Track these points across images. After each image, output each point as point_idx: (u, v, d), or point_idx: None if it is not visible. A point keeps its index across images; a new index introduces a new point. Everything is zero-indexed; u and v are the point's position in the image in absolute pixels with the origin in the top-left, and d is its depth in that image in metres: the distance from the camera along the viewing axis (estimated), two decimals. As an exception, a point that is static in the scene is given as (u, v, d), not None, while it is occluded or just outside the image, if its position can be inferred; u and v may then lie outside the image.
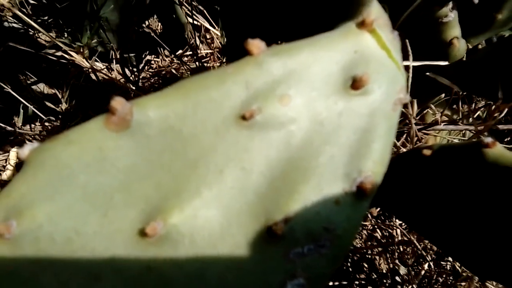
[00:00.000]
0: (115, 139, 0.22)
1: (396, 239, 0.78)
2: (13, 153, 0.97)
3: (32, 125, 1.02)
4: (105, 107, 0.21)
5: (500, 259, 0.35)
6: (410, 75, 0.58)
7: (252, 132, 0.23)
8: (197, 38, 1.10)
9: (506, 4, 0.62)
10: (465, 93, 0.71)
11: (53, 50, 1.02)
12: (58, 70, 1.07)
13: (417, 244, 0.73)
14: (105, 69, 1.09)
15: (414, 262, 0.79)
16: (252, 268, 0.23)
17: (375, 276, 0.81)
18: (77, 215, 0.22)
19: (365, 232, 0.84)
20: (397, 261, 0.78)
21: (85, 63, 1.00)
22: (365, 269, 0.82)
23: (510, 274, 0.35)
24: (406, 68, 0.58)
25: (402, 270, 0.77)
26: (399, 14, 0.56)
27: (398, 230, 0.78)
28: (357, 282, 0.80)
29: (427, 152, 0.37)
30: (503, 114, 0.60)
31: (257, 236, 0.23)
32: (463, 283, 0.73)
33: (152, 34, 1.12)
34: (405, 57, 0.58)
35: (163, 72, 1.17)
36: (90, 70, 1.01)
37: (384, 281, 0.79)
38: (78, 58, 0.98)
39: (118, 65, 1.07)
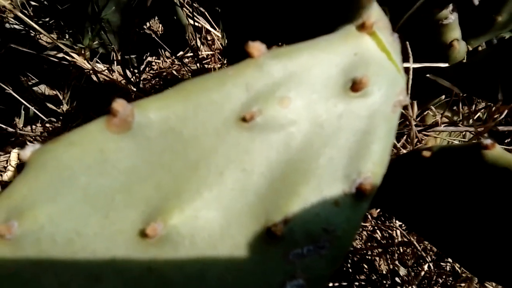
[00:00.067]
0: (116, 141, 0.22)
1: (396, 240, 0.79)
2: (14, 154, 0.97)
3: (33, 126, 1.02)
4: (106, 109, 0.21)
5: (499, 260, 0.35)
6: (411, 77, 0.58)
7: (252, 134, 0.23)
8: (198, 40, 1.10)
9: (506, 7, 0.62)
10: (465, 95, 0.71)
11: (55, 52, 1.02)
12: (59, 71, 1.08)
13: (417, 245, 0.73)
14: (106, 71, 1.10)
15: (414, 263, 0.79)
16: (252, 269, 0.23)
17: (375, 277, 0.81)
18: (78, 217, 0.22)
19: (365, 233, 0.84)
20: (397, 262, 0.79)
21: (86, 65, 1.00)
22: (365, 270, 0.82)
23: (509, 275, 0.35)
24: (407, 70, 0.58)
25: (402, 271, 0.77)
26: (400, 16, 0.56)
27: (398, 231, 0.79)
28: (357, 283, 0.80)
29: (426, 153, 0.38)
30: (503, 116, 0.60)
31: (257, 237, 0.23)
32: (462, 284, 0.73)
33: (153, 36, 1.12)
34: (406, 59, 0.58)
35: (164, 74, 1.18)
36: (91, 71, 1.01)
37: (384, 282, 0.79)
38: (79, 60, 0.98)
39: (119, 66, 1.07)
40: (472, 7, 0.65)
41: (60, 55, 1.01)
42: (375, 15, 0.25)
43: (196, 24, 1.06)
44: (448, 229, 0.39)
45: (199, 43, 1.11)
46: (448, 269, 0.78)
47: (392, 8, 0.45)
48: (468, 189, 0.36)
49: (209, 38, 1.15)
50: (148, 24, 1.22)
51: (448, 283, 0.76)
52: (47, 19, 1.02)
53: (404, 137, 0.77)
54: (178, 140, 0.23)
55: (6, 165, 0.97)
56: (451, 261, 0.77)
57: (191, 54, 1.14)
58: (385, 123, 0.25)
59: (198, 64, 1.09)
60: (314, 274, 0.23)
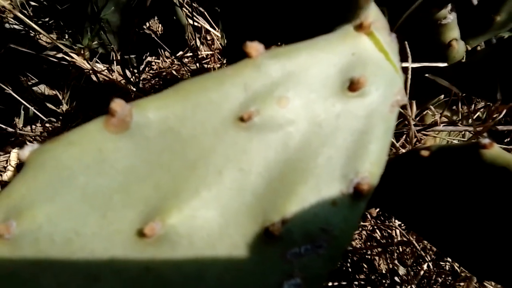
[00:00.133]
0: (114, 141, 0.22)
1: (396, 240, 0.79)
2: (14, 154, 0.97)
3: (33, 126, 1.02)
4: (106, 109, 0.21)
5: (498, 259, 0.35)
6: (410, 76, 0.58)
7: (250, 134, 0.23)
8: (197, 40, 1.10)
9: (505, 6, 0.62)
10: (464, 95, 0.71)
11: (54, 52, 1.02)
12: (59, 71, 1.08)
13: (416, 244, 0.73)
14: (106, 71, 1.10)
15: (413, 262, 0.79)
16: (250, 268, 0.23)
17: (375, 276, 0.81)
18: (77, 216, 0.22)
19: (364, 232, 0.85)
20: (396, 262, 0.79)
21: (86, 65, 1.00)
22: (364, 269, 0.82)
23: (508, 274, 0.35)
24: (406, 69, 0.58)
25: (401, 271, 0.77)
26: (398, 16, 0.56)
27: (398, 231, 0.79)
28: (356, 283, 0.80)
29: (425, 153, 0.38)
30: (501, 115, 0.60)
31: (255, 236, 0.23)
32: (462, 283, 0.73)
33: (153, 36, 1.12)
34: (405, 59, 0.58)
35: (164, 74, 1.18)
36: (90, 71, 1.01)
37: (384, 281, 0.79)
38: (79, 60, 0.98)
39: (118, 66, 1.07)
40: (471, 7, 0.65)
41: (60, 55, 1.01)
42: (373, 15, 0.25)
43: (196, 24, 1.06)
44: (447, 229, 0.39)
45: (198, 43, 1.11)
46: (447, 268, 0.78)
47: (391, 8, 0.45)
48: (466, 188, 0.36)
49: (208, 38, 1.15)
50: (147, 24, 1.22)
51: (448, 283, 0.76)
52: (47, 19, 1.02)
53: (404, 137, 0.77)
54: (177, 140, 0.23)
55: (6, 165, 0.97)
56: (450, 260, 0.77)
57: (191, 54, 1.14)
58: (383, 123, 0.25)
59: (197, 64, 1.09)
60: (311, 273, 0.23)
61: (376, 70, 0.25)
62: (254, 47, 0.23)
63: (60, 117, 1.01)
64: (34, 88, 1.05)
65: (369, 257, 0.83)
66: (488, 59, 0.61)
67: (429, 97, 0.75)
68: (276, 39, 0.46)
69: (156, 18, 1.20)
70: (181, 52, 1.15)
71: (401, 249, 0.81)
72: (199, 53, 1.12)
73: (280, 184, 0.23)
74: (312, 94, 0.24)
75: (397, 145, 0.72)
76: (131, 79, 0.99)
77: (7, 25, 1.06)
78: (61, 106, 0.98)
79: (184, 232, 0.22)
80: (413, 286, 0.75)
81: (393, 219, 0.81)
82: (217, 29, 1.09)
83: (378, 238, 0.84)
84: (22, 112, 0.93)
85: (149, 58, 1.16)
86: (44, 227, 0.22)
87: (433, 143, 0.75)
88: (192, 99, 0.23)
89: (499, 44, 0.64)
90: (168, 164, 0.23)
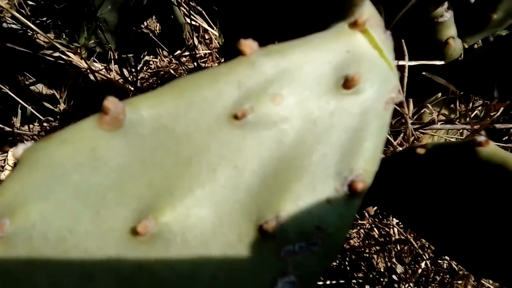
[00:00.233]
0: (107, 139, 0.22)
1: (393, 238, 0.79)
2: (11, 153, 0.97)
3: (31, 126, 1.02)
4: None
5: (496, 257, 0.35)
6: (406, 74, 0.58)
7: (244, 131, 0.23)
8: (195, 39, 1.10)
9: (501, 4, 0.62)
10: (462, 93, 0.71)
11: (51, 51, 1.02)
12: (56, 70, 1.07)
13: (414, 242, 0.73)
14: (104, 70, 1.09)
15: (411, 260, 0.79)
16: (244, 266, 0.23)
17: (373, 274, 0.81)
18: (70, 214, 0.22)
19: (362, 231, 0.85)
20: (394, 260, 0.79)
21: (83, 64, 1.00)
22: (362, 267, 0.82)
23: (504, 272, 0.35)
24: (402, 67, 0.58)
25: (399, 269, 0.77)
26: (395, 14, 0.56)
27: (395, 229, 0.79)
28: (354, 281, 0.80)
29: (421, 151, 0.38)
30: (498, 113, 0.60)
31: (249, 234, 0.23)
32: (459, 282, 0.73)
33: (151, 35, 1.12)
34: (401, 57, 0.58)
35: (162, 73, 1.17)
36: (88, 70, 1.01)
37: (381, 279, 0.79)
38: (76, 59, 0.98)
39: (116, 65, 1.07)
40: (467, 5, 0.65)
41: (57, 54, 1.01)
42: (367, 12, 0.25)
43: (194, 23, 1.05)
44: (444, 226, 0.39)
45: (196, 42, 1.11)
46: (445, 266, 0.78)
47: (387, 6, 0.45)
48: (463, 186, 0.36)
49: (206, 37, 1.15)
50: (145, 23, 1.22)
51: (445, 281, 0.76)
52: (44, 19, 1.02)
53: (401, 135, 0.77)
54: (170, 138, 0.23)
55: (3, 164, 0.97)
56: (448, 258, 0.77)
57: (189, 53, 1.14)
58: (377, 120, 0.25)
59: (195, 63, 1.09)
60: (305, 271, 0.23)
61: (371, 68, 0.25)
62: (248, 45, 0.23)
63: (58, 116, 1.01)
64: (32, 87, 1.04)
65: (367, 255, 0.83)
66: (485, 57, 0.62)
67: (427, 96, 0.75)
68: (273, 37, 0.46)
69: (153, 17, 1.20)
70: (179, 51, 1.15)
71: (399, 248, 0.81)
72: (197, 52, 1.12)
73: (275, 182, 0.23)
74: (306, 91, 0.24)
75: (395, 143, 0.72)
76: (129, 78, 0.99)
77: (4, 25, 1.06)
78: (58, 105, 0.98)
79: (177, 230, 0.22)
80: (411, 284, 0.75)
81: (391, 218, 0.81)
82: (215, 28, 1.09)
83: (376, 236, 0.84)
84: (20, 111, 0.93)
85: (147, 57, 1.16)
86: (38, 225, 0.22)
87: (429, 141, 0.75)
88: (186, 96, 0.23)
89: (496, 42, 0.64)
90: (161, 162, 0.22)
